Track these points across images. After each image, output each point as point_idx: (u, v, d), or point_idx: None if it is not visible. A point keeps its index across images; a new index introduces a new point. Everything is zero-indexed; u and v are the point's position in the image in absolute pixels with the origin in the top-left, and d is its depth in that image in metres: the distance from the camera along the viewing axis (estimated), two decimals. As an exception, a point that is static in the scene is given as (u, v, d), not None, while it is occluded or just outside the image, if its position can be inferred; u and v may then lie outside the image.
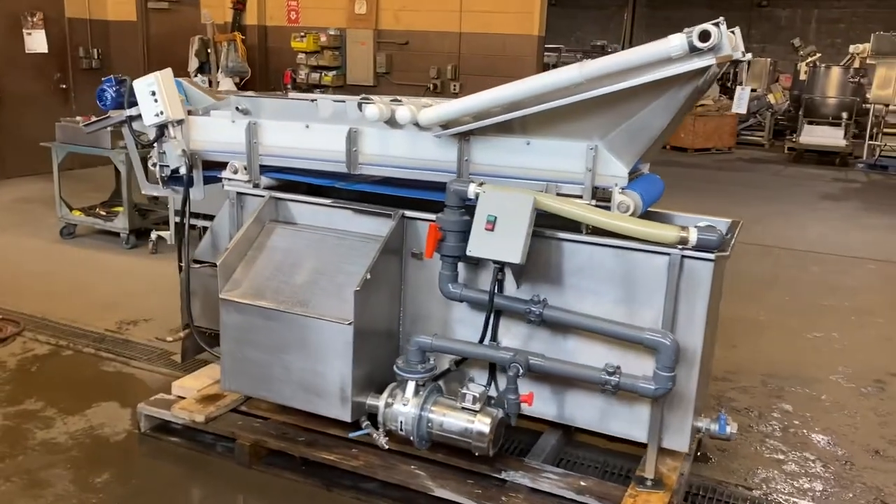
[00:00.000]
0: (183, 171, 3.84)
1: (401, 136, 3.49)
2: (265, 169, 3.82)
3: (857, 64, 15.70)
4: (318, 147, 3.65)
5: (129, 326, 5.30)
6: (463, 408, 3.22)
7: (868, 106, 14.94)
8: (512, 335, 3.35)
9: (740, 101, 10.66)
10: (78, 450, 3.70)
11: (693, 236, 2.92)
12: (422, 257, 3.48)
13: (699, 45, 2.72)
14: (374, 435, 3.32)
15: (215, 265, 3.94)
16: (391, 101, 3.68)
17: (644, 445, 3.34)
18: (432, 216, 3.37)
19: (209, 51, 9.67)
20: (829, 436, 4.16)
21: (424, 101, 3.85)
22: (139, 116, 3.95)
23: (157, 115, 3.76)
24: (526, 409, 3.23)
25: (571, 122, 3.14)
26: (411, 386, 3.29)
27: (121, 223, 7.14)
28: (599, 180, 3.17)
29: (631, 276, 3.12)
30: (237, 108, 3.78)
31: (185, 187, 3.86)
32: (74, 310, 5.54)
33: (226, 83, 9.45)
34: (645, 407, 3.20)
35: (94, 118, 7.20)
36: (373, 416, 3.40)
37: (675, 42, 2.78)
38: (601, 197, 3.21)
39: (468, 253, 3.08)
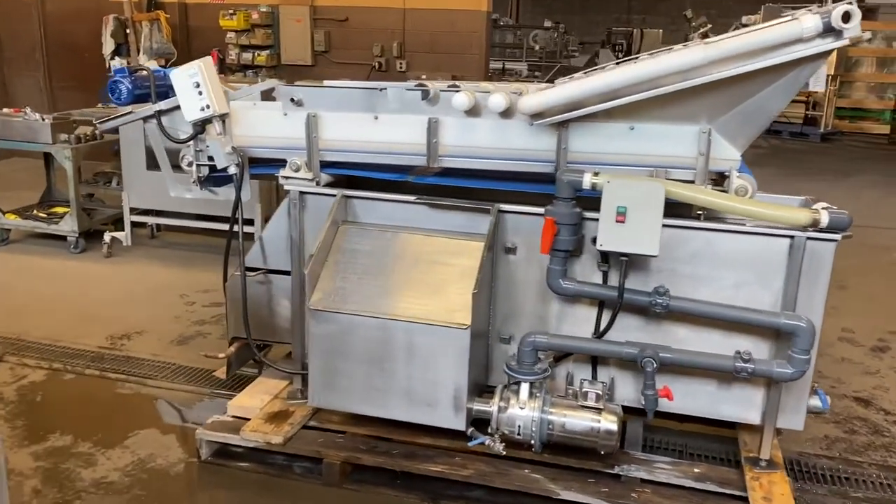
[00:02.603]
0: (233, 170, 3.48)
1: (486, 125, 3.29)
2: (323, 165, 3.52)
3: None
4: (388, 139, 3.40)
5: (122, 341, 4.80)
6: (583, 406, 3.12)
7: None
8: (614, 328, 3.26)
9: (818, 79, 10.68)
10: (139, 487, 3.31)
11: (825, 218, 2.92)
12: (515, 252, 3.32)
13: (841, 26, 2.70)
14: (489, 442, 3.15)
15: (269, 272, 3.66)
16: (448, 86, 3.47)
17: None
18: (527, 209, 3.24)
19: (127, 31, 8.87)
20: (867, 398, 4.35)
21: (490, 86, 3.67)
22: (170, 110, 3.57)
23: (202, 109, 3.38)
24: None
25: (681, 105, 3.05)
26: (525, 388, 3.14)
27: (68, 226, 6.45)
28: (712, 164, 3.11)
29: (749, 261, 3.08)
30: (291, 100, 3.45)
31: (237, 188, 3.49)
32: (50, 326, 4.96)
33: (150, 66, 8.69)
34: (758, 390, 3.20)
35: (28, 110, 6.53)
36: (476, 422, 3.23)
37: (810, 23, 2.75)
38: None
39: (599, 248, 2.95)
